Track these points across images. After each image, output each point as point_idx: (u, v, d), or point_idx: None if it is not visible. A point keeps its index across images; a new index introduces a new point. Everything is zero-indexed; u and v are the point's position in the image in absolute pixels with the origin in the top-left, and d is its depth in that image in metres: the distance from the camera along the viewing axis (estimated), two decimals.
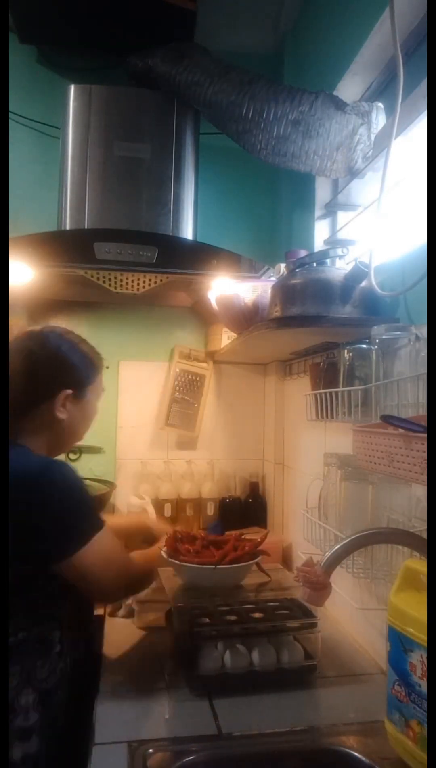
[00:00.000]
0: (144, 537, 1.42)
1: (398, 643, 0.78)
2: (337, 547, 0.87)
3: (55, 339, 1.14)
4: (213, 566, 1.21)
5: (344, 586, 1.25)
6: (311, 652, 1.12)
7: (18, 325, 1.98)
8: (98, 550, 1.00)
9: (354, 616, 1.30)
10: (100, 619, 1.32)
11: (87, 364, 1.16)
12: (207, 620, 1.10)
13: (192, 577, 1.24)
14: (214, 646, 1.07)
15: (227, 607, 1.14)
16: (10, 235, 1.45)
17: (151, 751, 0.86)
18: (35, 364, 1.10)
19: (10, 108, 1.96)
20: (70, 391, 1.11)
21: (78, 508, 1.00)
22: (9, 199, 1.94)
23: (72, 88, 1.74)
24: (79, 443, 1.39)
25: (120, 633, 1.29)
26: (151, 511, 1.82)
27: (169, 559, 1.25)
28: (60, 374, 1.11)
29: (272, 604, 1.18)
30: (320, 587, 0.87)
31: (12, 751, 0.93)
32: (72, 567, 0.98)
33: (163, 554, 1.27)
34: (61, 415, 1.10)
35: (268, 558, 1.37)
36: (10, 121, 1.97)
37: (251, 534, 1.36)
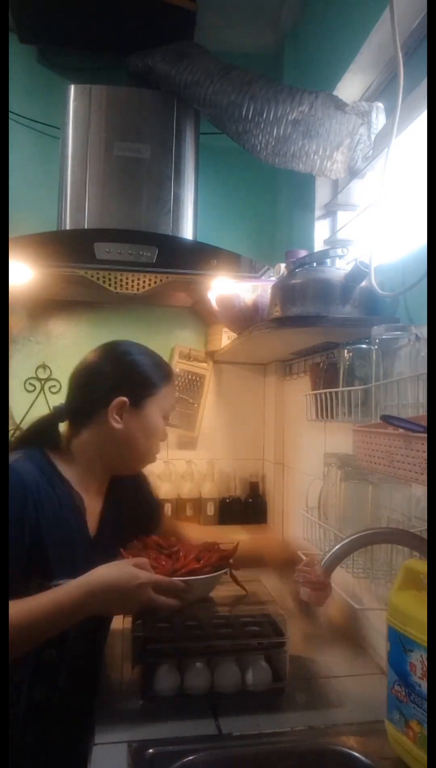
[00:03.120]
0: None
1: (398, 643, 0.78)
2: (337, 547, 0.87)
3: (120, 346, 1.14)
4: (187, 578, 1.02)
5: (343, 586, 1.25)
6: (280, 673, 1.03)
7: (18, 325, 1.99)
8: None
9: (354, 616, 1.30)
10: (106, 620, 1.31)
11: (148, 372, 1.11)
12: (161, 635, 1.00)
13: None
14: (167, 665, 0.99)
15: (188, 622, 1.02)
16: (10, 235, 1.45)
17: (151, 751, 0.86)
18: (94, 369, 1.10)
19: (11, 108, 1.96)
20: (124, 399, 1.07)
21: None
22: (9, 199, 1.94)
23: (72, 88, 1.74)
24: None
25: (121, 632, 1.29)
26: None
27: None
28: (116, 381, 1.08)
29: (243, 619, 1.05)
30: (319, 587, 0.88)
31: None
32: None
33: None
34: (117, 424, 1.06)
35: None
36: (10, 121, 1.97)
37: (228, 543, 1.16)
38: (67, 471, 1.07)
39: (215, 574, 1.07)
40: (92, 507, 1.11)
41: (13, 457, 1.02)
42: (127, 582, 0.90)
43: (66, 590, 0.88)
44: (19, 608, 0.84)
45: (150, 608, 0.95)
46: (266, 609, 1.08)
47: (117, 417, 1.07)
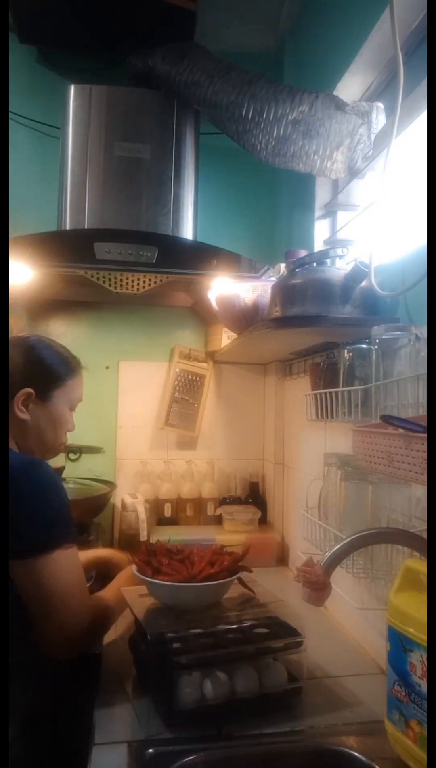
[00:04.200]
0: (103, 572, 1.31)
1: (398, 643, 0.78)
2: (337, 547, 0.87)
3: (29, 341, 1.16)
4: (188, 584, 1.04)
5: (344, 586, 1.25)
6: (296, 673, 1.01)
7: (18, 325, 1.99)
8: (62, 566, 0.93)
9: (354, 616, 1.30)
10: None
11: (56, 365, 1.15)
12: (180, 646, 0.95)
13: (165, 596, 1.07)
14: (190, 676, 0.94)
15: (201, 629, 0.99)
16: (10, 235, 1.45)
17: (151, 751, 0.86)
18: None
19: (11, 108, 1.96)
20: (30, 390, 1.10)
21: (50, 510, 0.96)
22: (8, 199, 1.94)
23: (72, 88, 1.74)
24: (79, 443, 1.35)
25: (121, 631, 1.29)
26: (141, 510, 1.82)
27: (142, 576, 1.08)
28: (23, 373, 1.11)
29: (251, 623, 1.03)
30: (319, 587, 0.87)
31: None
32: (29, 574, 0.91)
33: (134, 570, 1.11)
34: (22, 415, 1.09)
35: (262, 560, 1.31)
36: (10, 121, 1.97)
37: (235, 546, 1.21)
38: None
39: (232, 578, 1.08)
40: None
41: None
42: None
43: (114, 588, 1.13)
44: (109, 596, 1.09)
45: None
46: (272, 611, 1.08)
47: (22, 408, 1.09)
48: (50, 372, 1.14)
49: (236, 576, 1.10)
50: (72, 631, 0.96)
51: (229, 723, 0.92)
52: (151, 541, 1.45)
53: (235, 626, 1.02)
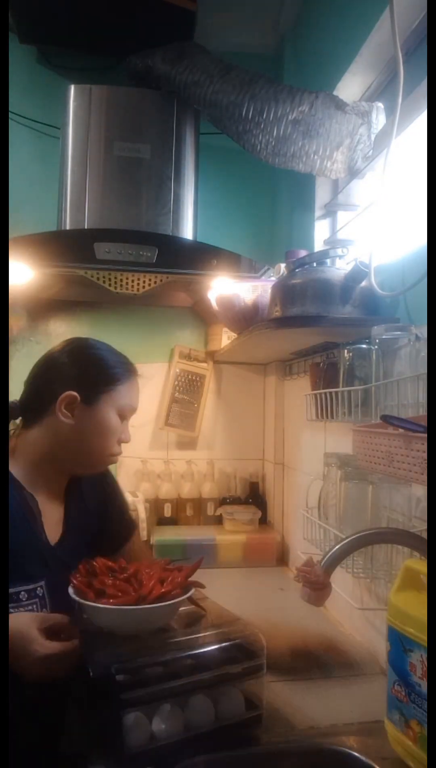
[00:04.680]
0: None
1: (398, 643, 0.78)
2: (337, 547, 0.87)
3: (80, 342, 1.11)
4: (137, 606, 0.86)
5: (343, 586, 1.25)
6: (256, 699, 0.89)
7: (18, 325, 1.99)
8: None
9: (354, 616, 1.30)
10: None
11: (106, 368, 1.07)
12: (128, 679, 0.80)
13: (111, 622, 0.89)
14: (140, 713, 0.79)
15: (149, 658, 0.83)
16: (10, 235, 1.45)
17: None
18: (51, 365, 1.07)
19: (11, 108, 1.96)
20: (74, 393, 1.02)
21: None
22: (8, 199, 1.94)
23: (72, 88, 1.74)
24: None
25: None
26: (141, 510, 1.82)
27: (79, 600, 0.89)
28: (68, 375, 1.04)
29: (206, 647, 0.87)
30: (319, 587, 0.87)
31: None
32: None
33: (71, 593, 0.90)
34: (66, 419, 1.01)
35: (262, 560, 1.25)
36: (10, 121, 1.97)
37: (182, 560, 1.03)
38: (15, 471, 1.02)
39: (183, 597, 0.91)
40: (51, 511, 1.06)
41: None
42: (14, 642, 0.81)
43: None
44: None
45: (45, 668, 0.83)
46: (238, 630, 0.92)
47: (66, 412, 1.01)
48: (99, 374, 1.06)
49: (190, 593, 0.94)
50: None
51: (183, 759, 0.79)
52: (144, 541, 1.37)
53: (187, 652, 0.86)
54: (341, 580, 1.19)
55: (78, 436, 1.03)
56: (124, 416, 1.09)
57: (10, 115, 1.97)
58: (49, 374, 1.06)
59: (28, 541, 1.00)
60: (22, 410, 1.07)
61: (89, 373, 1.05)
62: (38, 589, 0.98)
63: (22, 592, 0.96)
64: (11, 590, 0.94)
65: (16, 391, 1.99)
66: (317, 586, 0.87)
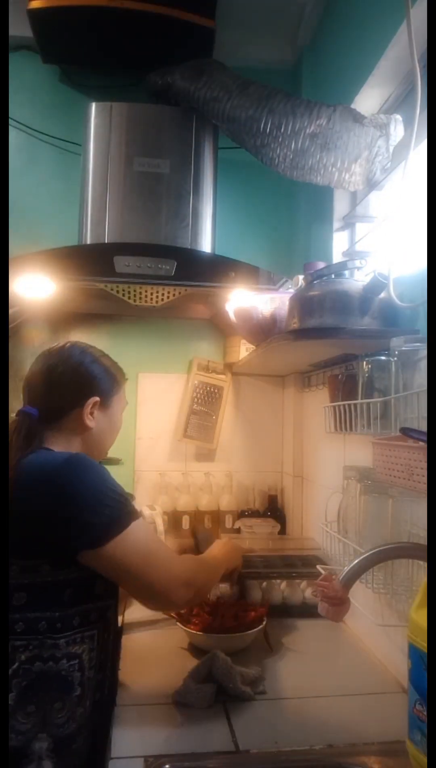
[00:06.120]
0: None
1: (419, 661, 0.76)
2: (356, 561, 0.86)
3: (81, 349, 1.19)
4: (218, 635, 1.22)
5: (363, 602, 1.23)
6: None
7: (40, 337, 2.02)
8: (136, 540, 0.97)
9: (374, 633, 1.27)
10: (118, 630, 1.32)
11: (112, 373, 1.21)
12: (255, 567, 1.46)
13: (199, 642, 1.25)
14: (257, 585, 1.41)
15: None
16: (32, 249, 1.48)
17: (167, 766, 0.85)
18: (64, 373, 1.14)
19: (34, 126, 2.02)
20: (97, 399, 1.14)
21: (107, 496, 0.97)
22: (31, 214, 1.99)
23: (93, 105, 1.78)
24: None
25: (136, 644, 1.28)
26: (159, 522, 1.81)
27: (178, 623, 1.28)
28: (88, 382, 1.15)
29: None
30: (338, 602, 0.86)
31: None
32: (110, 559, 0.95)
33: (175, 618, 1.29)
34: (90, 422, 1.13)
35: None
36: (33, 138, 2.02)
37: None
38: None
39: (249, 632, 1.24)
40: None
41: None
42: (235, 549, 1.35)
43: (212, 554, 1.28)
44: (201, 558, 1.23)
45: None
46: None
47: (90, 416, 1.14)
48: (110, 380, 1.20)
49: (256, 630, 1.25)
50: (175, 582, 1.02)
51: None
52: None
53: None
54: (360, 596, 1.17)
55: (97, 436, 1.17)
56: (122, 412, 1.26)
57: (33, 132, 2.01)
58: (68, 382, 1.14)
59: None
60: (43, 416, 1.11)
61: (106, 379, 1.18)
62: None
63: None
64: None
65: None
66: (335, 602, 0.86)
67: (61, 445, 1.11)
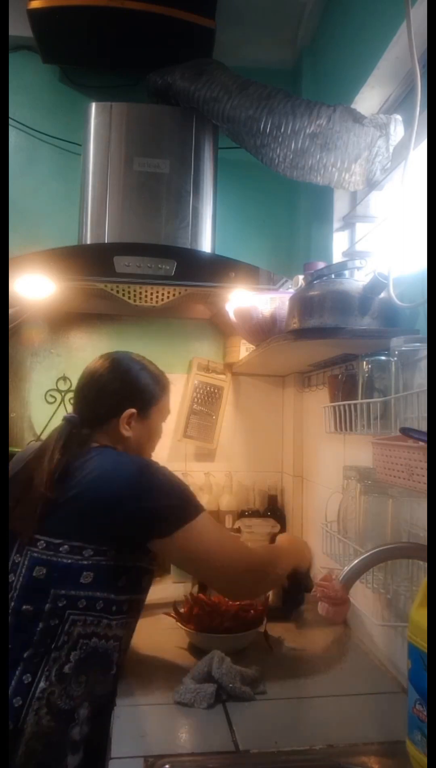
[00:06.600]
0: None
1: (419, 660, 0.76)
2: (356, 561, 0.86)
3: (124, 361, 1.25)
4: (217, 635, 1.24)
5: (363, 602, 1.23)
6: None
7: (39, 337, 2.02)
8: (203, 532, 1.07)
9: (374, 633, 1.28)
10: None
11: (151, 385, 1.25)
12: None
13: (198, 642, 1.27)
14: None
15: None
16: (32, 249, 1.48)
17: (167, 766, 0.85)
18: (104, 384, 1.21)
19: (34, 126, 2.01)
20: (133, 411, 1.20)
21: (177, 489, 1.08)
22: (31, 214, 1.99)
23: (93, 105, 1.78)
24: None
25: (136, 644, 1.28)
26: None
27: (178, 623, 1.30)
28: (125, 394, 1.21)
29: None
30: (338, 602, 0.86)
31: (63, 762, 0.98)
32: (180, 547, 1.06)
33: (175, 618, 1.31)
34: (126, 432, 1.19)
35: None
36: (33, 138, 2.02)
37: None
38: None
39: (248, 632, 1.25)
40: None
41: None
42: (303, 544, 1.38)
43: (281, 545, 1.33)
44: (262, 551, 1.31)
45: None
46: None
47: (127, 426, 1.20)
48: (149, 392, 1.24)
49: (254, 631, 1.27)
50: (245, 570, 1.12)
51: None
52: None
53: None
54: (360, 596, 1.17)
55: (135, 444, 1.22)
56: (163, 421, 1.32)
57: (33, 132, 2.01)
58: (108, 393, 1.21)
59: None
60: (86, 423, 1.20)
61: (144, 391, 1.24)
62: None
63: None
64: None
65: (38, 401, 2.02)
66: (335, 602, 0.86)
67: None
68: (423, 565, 1.00)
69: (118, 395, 1.21)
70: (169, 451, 2.06)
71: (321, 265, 1.47)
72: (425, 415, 0.97)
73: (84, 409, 1.22)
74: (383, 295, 1.16)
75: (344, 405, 1.26)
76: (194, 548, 1.07)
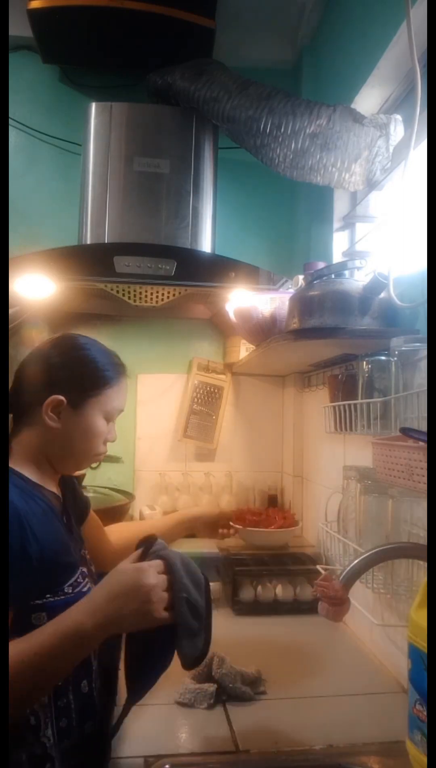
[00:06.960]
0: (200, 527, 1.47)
1: (419, 661, 0.76)
2: (356, 561, 0.86)
3: (64, 342, 1.06)
4: (270, 529, 1.63)
5: (363, 602, 1.23)
6: None
7: (39, 337, 2.02)
8: None
9: (374, 633, 1.28)
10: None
11: (93, 372, 1.03)
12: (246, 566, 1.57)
13: (252, 539, 1.66)
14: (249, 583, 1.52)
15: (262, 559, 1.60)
16: (32, 249, 1.48)
17: (167, 766, 0.85)
18: (33, 365, 1.03)
19: (34, 126, 2.01)
20: (61, 398, 0.98)
21: None
22: (31, 214, 1.99)
23: (93, 105, 1.78)
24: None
25: None
26: None
27: (237, 525, 1.61)
28: (52, 378, 1.00)
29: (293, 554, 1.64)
30: (338, 602, 0.86)
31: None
32: None
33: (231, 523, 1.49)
34: (52, 422, 0.98)
35: None
36: (33, 138, 2.02)
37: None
38: (26, 472, 0.99)
39: (293, 527, 1.64)
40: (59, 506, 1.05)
41: None
42: (133, 580, 0.79)
43: (68, 617, 0.79)
44: (20, 649, 0.76)
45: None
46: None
47: (52, 415, 0.98)
48: (84, 380, 1.02)
49: (297, 527, 1.71)
50: None
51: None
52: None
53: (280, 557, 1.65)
54: (360, 596, 1.17)
55: (63, 439, 1.00)
56: (110, 419, 1.06)
57: (33, 132, 2.01)
58: (37, 374, 1.02)
59: (62, 537, 0.99)
60: (11, 408, 1.03)
61: (78, 377, 1.01)
62: (78, 577, 0.98)
63: (67, 587, 0.94)
64: (56, 590, 0.91)
65: None
66: (335, 602, 0.86)
67: (29, 446, 1.01)
68: (423, 565, 1.00)
69: (48, 377, 1.00)
70: (170, 451, 2.06)
71: (321, 265, 1.47)
72: (425, 415, 0.97)
73: (12, 391, 1.03)
74: (383, 295, 1.16)
75: (344, 405, 1.26)
76: None
